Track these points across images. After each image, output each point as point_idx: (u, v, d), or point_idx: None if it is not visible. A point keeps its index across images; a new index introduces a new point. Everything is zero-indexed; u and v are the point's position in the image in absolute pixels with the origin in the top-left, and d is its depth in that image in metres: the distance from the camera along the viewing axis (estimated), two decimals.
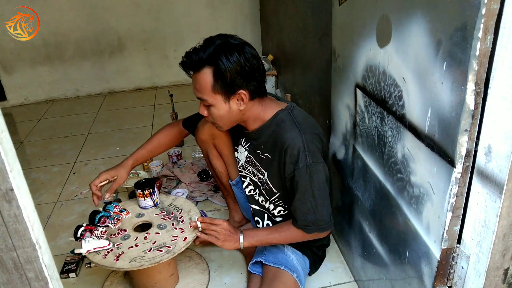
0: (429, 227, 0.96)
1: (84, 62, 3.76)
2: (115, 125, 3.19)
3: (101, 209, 1.52)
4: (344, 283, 1.57)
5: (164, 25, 3.75)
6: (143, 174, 2.16)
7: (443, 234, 0.90)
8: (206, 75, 1.22)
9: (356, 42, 1.26)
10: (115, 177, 1.51)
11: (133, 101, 3.69)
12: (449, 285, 0.95)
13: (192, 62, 1.24)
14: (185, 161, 2.48)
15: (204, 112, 1.32)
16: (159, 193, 1.63)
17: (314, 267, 1.54)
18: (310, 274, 1.55)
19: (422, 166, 0.96)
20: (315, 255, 1.53)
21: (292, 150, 1.25)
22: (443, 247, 0.91)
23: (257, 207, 1.53)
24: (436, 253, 0.93)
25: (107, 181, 1.50)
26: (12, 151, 0.58)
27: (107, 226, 1.46)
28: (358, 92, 1.29)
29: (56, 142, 2.97)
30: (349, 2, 1.31)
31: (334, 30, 1.48)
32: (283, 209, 1.44)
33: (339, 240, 1.74)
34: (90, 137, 3.02)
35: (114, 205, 1.55)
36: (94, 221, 1.46)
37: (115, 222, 1.49)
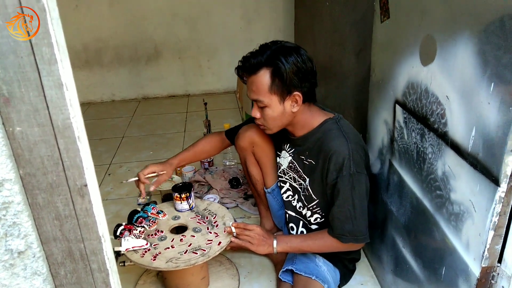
0: (468, 244, 0.97)
1: (121, 68, 3.90)
2: (149, 130, 3.28)
3: (140, 209, 1.58)
4: None
5: (199, 35, 3.86)
6: (177, 179, 2.22)
7: (483, 252, 0.90)
8: (264, 76, 1.28)
9: (397, 59, 1.29)
10: (163, 172, 1.56)
11: (166, 107, 3.80)
12: None
13: (250, 64, 1.30)
14: (216, 167, 2.54)
15: (257, 114, 1.36)
16: (194, 198, 1.68)
17: (344, 280, 1.56)
18: (339, 286, 1.56)
19: (464, 184, 0.97)
20: (346, 268, 1.54)
21: (338, 158, 1.28)
22: (483, 265, 0.91)
23: (293, 214, 1.56)
24: (476, 271, 0.94)
25: (155, 173, 1.55)
26: (88, 151, 0.64)
27: (143, 227, 1.51)
28: (398, 108, 1.31)
29: (92, 144, 3.01)
30: (391, 20, 1.33)
31: (374, 46, 1.51)
32: (320, 216, 1.46)
33: (369, 254, 1.74)
34: (125, 140, 3.12)
35: (152, 206, 1.60)
36: (132, 220, 1.51)
37: (151, 224, 1.54)
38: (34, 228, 0.63)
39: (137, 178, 1.53)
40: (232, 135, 1.70)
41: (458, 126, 0.98)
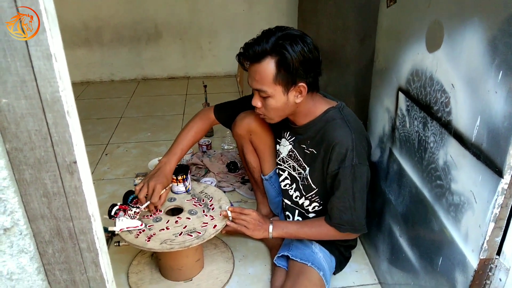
0: (467, 236, 0.95)
1: (121, 48, 3.84)
2: (148, 111, 3.25)
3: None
4: (368, 284, 1.56)
5: (200, 16, 3.79)
6: None
7: (483, 244, 0.88)
8: (269, 66, 1.22)
9: (403, 46, 1.25)
10: (169, 186, 1.52)
11: (166, 89, 3.75)
12: None
13: (254, 52, 1.23)
14: (214, 151, 2.52)
15: (258, 104, 1.31)
16: (191, 180, 1.66)
17: (339, 267, 1.55)
18: (335, 273, 1.55)
19: (466, 174, 0.95)
20: (341, 255, 1.53)
21: (340, 148, 1.25)
22: (482, 257, 0.90)
23: (289, 202, 1.54)
24: (473, 263, 0.92)
25: (164, 190, 1.48)
26: (78, 127, 0.61)
27: (138, 207, 1.48)
28: (401, 95, 1.28)
29: (90, 123, 3.05)
30: (398, 4, 1.29)
31: (378, 32, 1.47)
32: (318, 204, 1.45)
33: (365, 242, 1.73)
34: (123, 120, 3.09)
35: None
36: (127, 200, 1.50)
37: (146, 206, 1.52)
38: (21, 205, 0.61)
39: (148, 203, 1.45)
40: (222, 114, 1.63)
41: (462, 115, 0.95)
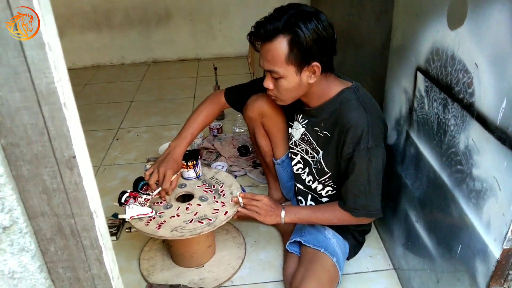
0: (489, 224, 0.90)
1: (131, 30, 3.79)
2: (158, 95, 3.22)
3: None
4: (382, 270, 1.54)
5: None
6: None
7: (506, 234, 0.84)
8: (281, 45, 1.17)
9: (422, 22, 1.18)
10: (181, 171, 1.50)
11: (176, 71, 3.71)
12: (505, 286, 0.90)
13: (265, 31, 1.17)
14: (225, 135, 2.48)
15: (270, 85, 1.27)
16: (201, 165, 1.63)
17: (353, 252, 1.52)
18: (348, 258, 1.52)
19: (489, 160, 0.89)
20: (355, 240, 1.50)
21: (356, 130, 1.21)
22: (505, 247, 0.85)
23: (302, 187, 1.51)
24: (496, 252, 0.88)
25: (174, 176, 1.46)
26: (77, 119, 0.58)
27: (148, 194, 1.47)
28: (419, 75, 1.21)
29: (101, 107, 3.04)
30: None
31: (396, 8, 1.39)
32: (331, 189, 1.41)
33: (380, 227, 1.69)
34: (134, 104, 3.07)
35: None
36: (137, 187, 1.48)
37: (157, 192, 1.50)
38: (19, 202, 0.58)
39: (160, 189, 1.43)
40: (233, 97, 1.59)
41: (486, 97, 0.89)
